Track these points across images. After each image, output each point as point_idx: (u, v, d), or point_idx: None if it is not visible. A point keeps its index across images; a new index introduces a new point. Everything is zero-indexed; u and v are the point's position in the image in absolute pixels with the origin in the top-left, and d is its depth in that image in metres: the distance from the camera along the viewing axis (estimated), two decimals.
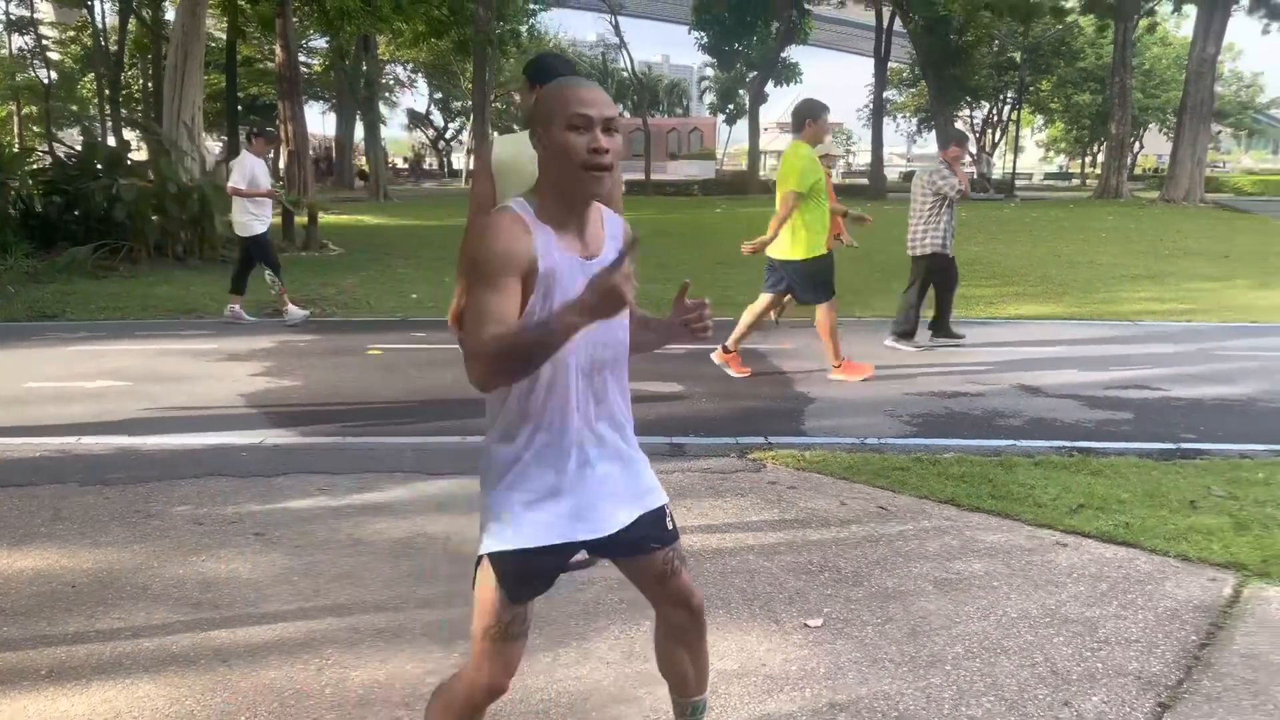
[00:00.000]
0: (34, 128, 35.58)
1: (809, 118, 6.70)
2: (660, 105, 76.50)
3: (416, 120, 61.11)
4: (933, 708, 2.76)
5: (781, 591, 3.51)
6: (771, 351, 7.86)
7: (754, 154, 44.34)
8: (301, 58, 34.39)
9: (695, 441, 5.35)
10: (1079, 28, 43.96)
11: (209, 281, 11.28)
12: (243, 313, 9.22)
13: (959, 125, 47.57)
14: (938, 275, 8.03)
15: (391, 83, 49.03)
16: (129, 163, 15.15)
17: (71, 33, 37.94)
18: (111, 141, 25.43)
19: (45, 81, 35.47)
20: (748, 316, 7.06)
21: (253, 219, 8.94)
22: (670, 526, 2.15)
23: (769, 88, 43.67)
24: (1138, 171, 57.02)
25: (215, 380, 6.78)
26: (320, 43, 38.40)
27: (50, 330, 8.82)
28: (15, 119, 36.46)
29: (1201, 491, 4.49)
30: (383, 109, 44.09)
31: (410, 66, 48.15)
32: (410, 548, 3.89)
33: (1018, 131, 46.89)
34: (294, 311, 9.22)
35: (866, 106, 45.77)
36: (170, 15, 27.02)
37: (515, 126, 52.00)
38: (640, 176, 40.93)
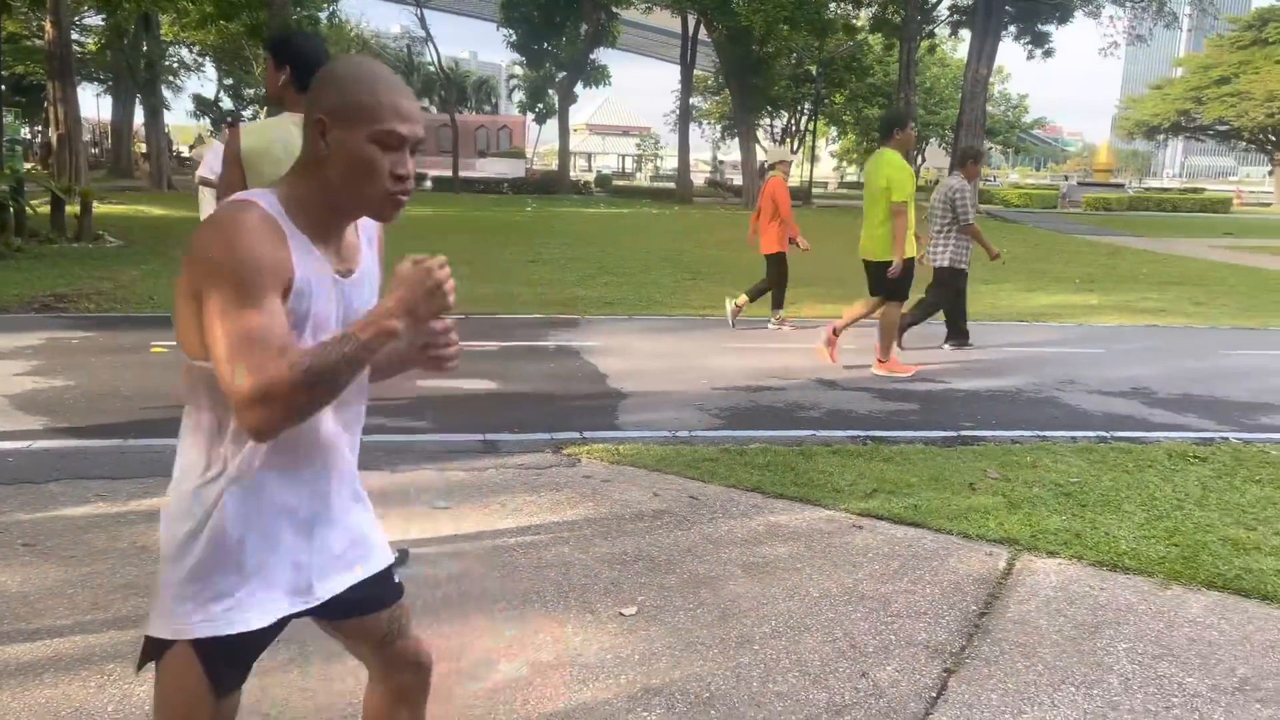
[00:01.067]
0: None
1: (896, 126, 7.07)
2: (468, 102, 75.48)
3: (204, 106, 57.51)
4: (742, 686, 2.86)
5: (596, 582, 3.54)
6: (585, 349, 7.90)
7: (564, 154, 44.51)
8: (75, 36, 31.65)
9: (510, 438, 5.30)
10: (868, 45, 46.71)
11: None
12: None
13: (760, 134, 49.54)
14: (942, 287, 8.40)
15: (176, 65, 45.88)
16: None
17: None
18: None
19: None
20: (858, 310, 7.51)
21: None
22: (396, 581, 1.88)
23: (578, 88, 43.98)
24: (921, 183, 61.16)
25: None
26: (96, 19, 35.50)
27: None
28: None
29: (979, 474, 4.87)
30: (166, 93, 41.24)
31: (197, 49, 45.26)
32: None
33: (814, 141, 49.26)
34: None
35: (674, 112, 46.84)
36: None
37: None
38: (448, 173, 40.23)
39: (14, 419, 5.35)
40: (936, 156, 64.35)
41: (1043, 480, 4.80)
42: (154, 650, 1.62)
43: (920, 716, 2.74)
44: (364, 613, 1.80)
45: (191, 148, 42.93)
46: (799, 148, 53.46)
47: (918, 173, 59.79)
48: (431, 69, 56.56)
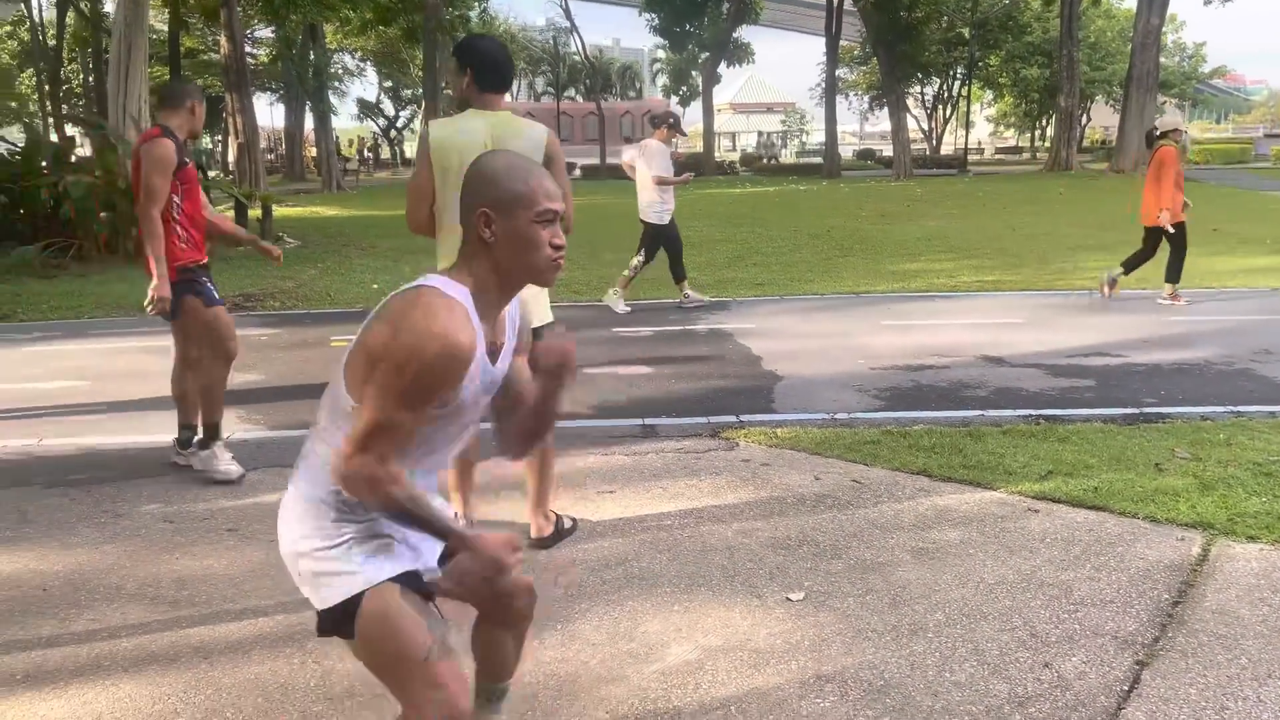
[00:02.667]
0: None
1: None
2: (613, 89, 76.20)
3: (367, 109, 60.29)
4: (917, 675, 2.80)
5: (761, 567, 3.53)
6: (738, 331, 7.88)
7: (709, 135, 44.36)
8: (248, 48, 33.72)
9: (668, 422, 5.36)
10: (1025, 2, 44.40)
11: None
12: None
13: (910, 102, 47.92)
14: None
15: (340, 71, 48.27)
16: (74, 159, 14.78)
17: (8, 28, 36.92)
18: (54, 138, 24.79)
19: None
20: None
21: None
22: None
23: (722, 68, 43.70)
24: (1086, 144, 57.86)
25: None
26: (266, 33, 37.71)
27: (2, 332, 8.60)
28: None
29: (1166, 454, 4.59)
30: (332, 99, 43.42)
31: (359, 55, 47.44)
32: None
33: (968, 107, 47.30)
34: None
35: (819, 85, 45.92)
36: (109, 7, 26.38)
37: None
38: (595, 161, 40.79)
39: None
40: (1104, 115, 60.56)
41: (1239, 460, 4.48)
42: (339, 617, 1.81)
43: (1111, 711, 2.61)
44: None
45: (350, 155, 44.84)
46: (952, 114, 51.46)
47: (1082, 134, 56.71)
48: (577, 58, 57.36)
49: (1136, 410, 5.40)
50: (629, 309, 8.88)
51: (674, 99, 53.88)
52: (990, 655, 2.90)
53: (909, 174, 35.68)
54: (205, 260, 4.63)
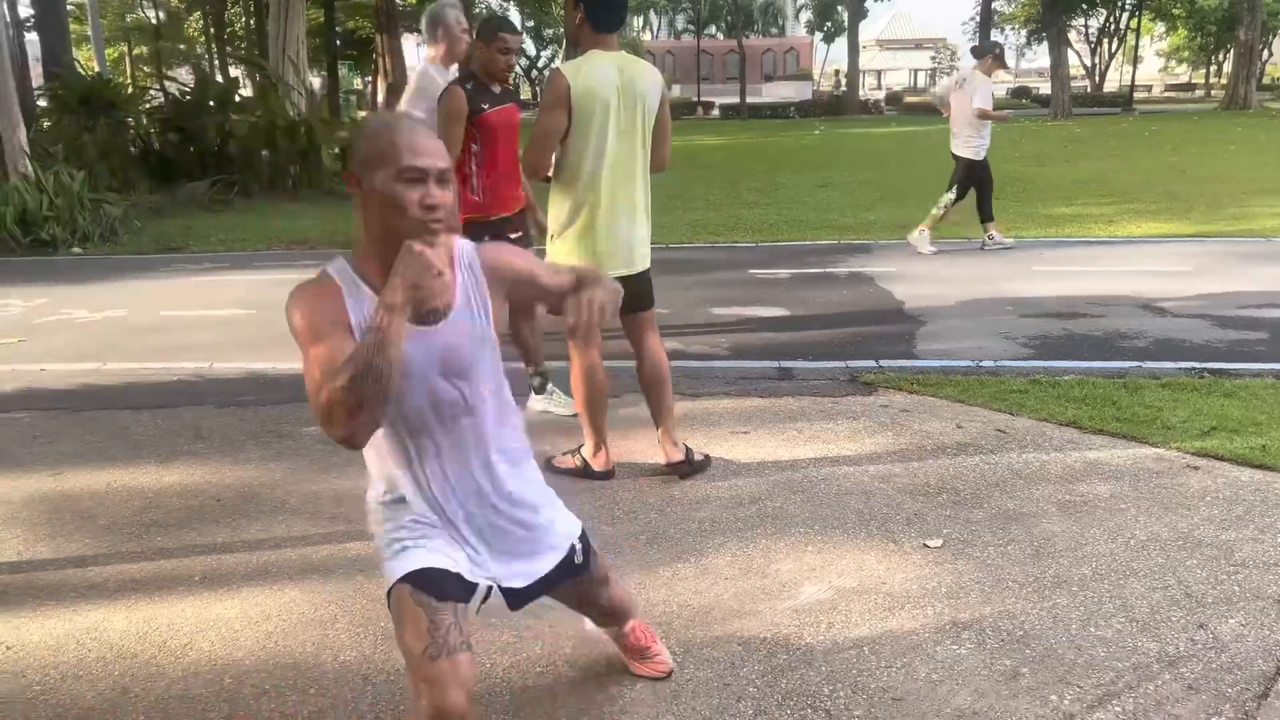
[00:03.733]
0: (144, 68, 36.72)
1: None
2: (755, 25, 74.50)
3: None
4: (1060, 628, 2.73)
5: (899, 513, 3.49)
6: (880, 274, 7.70)
7: (853, 73, 42.95)
8: None
9: (804, 365, 5.31)
10: None
11: (319, 213, 11.59)
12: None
13: (1072, 35, 45.06)
14: None
15: (484, 11, 48.82)
16: (239, 99, 15.55)
17: None
18: (219, 79, 26.08)
19: (154, 21, 36.47)
20: None
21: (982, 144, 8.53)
22: (579, 560, 2.13)
23: (869, 3, 42.09)
24: (1266, 81, 53.24)
25: None
26: None
27: (176, 262, 9.22)
28: (127, 59, 37.66)
29: None
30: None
31: None
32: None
33: (1137, 41, 44.12)
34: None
35: (973, 19, 43.67)
36: None
37: None
38: (735, 99, 40.14)
39: None
40: None
41: None
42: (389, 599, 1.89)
43: (1269, 675, 2.49)
44: (552, 588, 2.09)
45: None
46: (1118, 48, 48.22)
47: (1262, 70, 52.14)
48: None
49: None
50: (935, 249, 8.54)
51: (817, 35, 52.33)
52: (1139, 612, 2.80)
53: (1067, 113, 33.69)
54: (510, 213, 4.41)
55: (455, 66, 4.80)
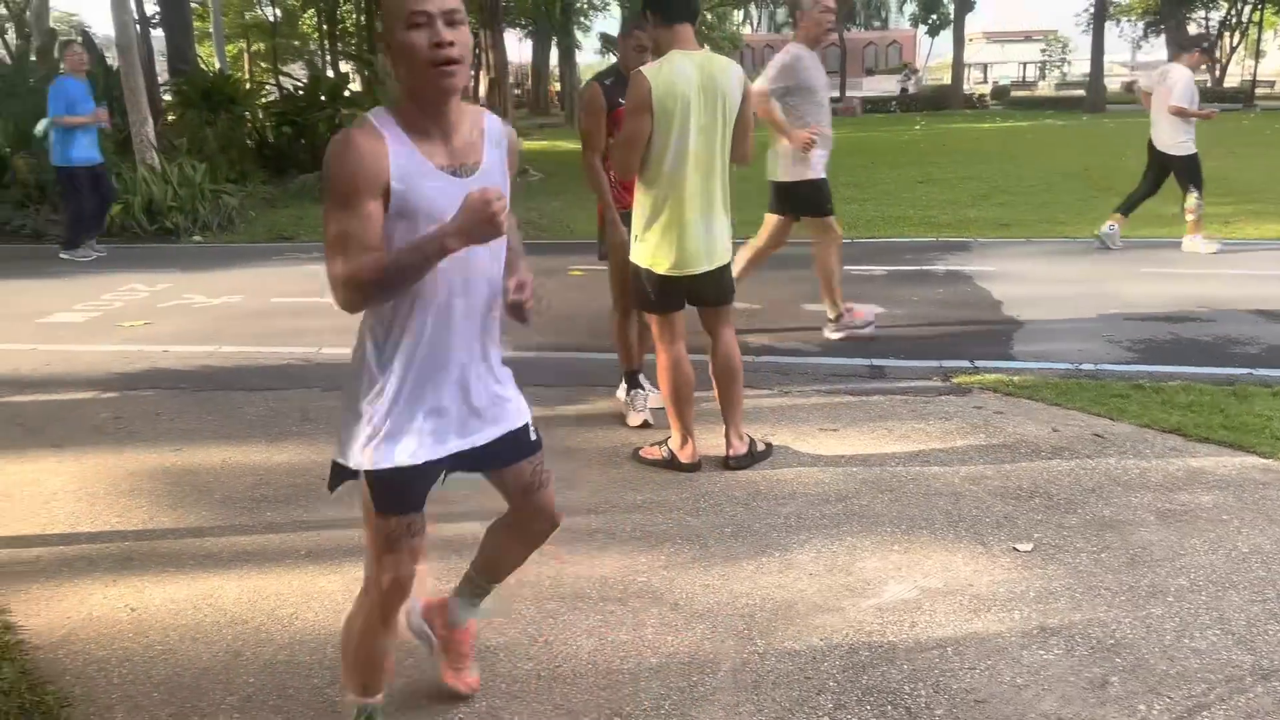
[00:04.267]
0: (261, 64, 38.16)
1: None
2: (856, 18, 73.27)
3: (609, 44, 61.33)
4: (1153, 637, 2.68)
5: (988, 515, 3.46)
6: (978, 273, 7.55)
7: (958, 66, 41.90)
8: None
9: (897, 364, 5.27)
10: None
11: None
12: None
13: (1191, 29, 43.07)
14: None
15: (585, 6, 49.26)
16: (348, 93, 16.06)
17: None
18: (331, 74, 26.96)
19: (271, 19, 37.86)
20: None
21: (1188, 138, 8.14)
22: (534, 438, 2.20)
23: None
24: None
25: None
26: None
27: (288, 250, 9.61)
28: (245, 55, 39.20)
29: None
30: (577, 34, 44.45)
31: None
32: (617, 457, 4.08)
33: (1260, 35, 41.92)
34: None
35: (1087, 10, 42.13)
36: None
37: (705, 45, 51.17)
38: (835, 94, 39.61)
39: None
40: None
41: None
42: (339, 475, 2.04)
43: None
44: (508, 462, 2.16)
45: None
46: (1240, 42, 45.96)
47: None
48: None
49: None
50: (1218, 246, 8.15)
51: (921, 28, 51.25)
52: (1236, 625, 2.72)
53: None
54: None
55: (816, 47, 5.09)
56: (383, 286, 1.82)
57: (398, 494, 2.01)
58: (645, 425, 4.38)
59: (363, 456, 1.98)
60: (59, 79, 9.05)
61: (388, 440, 1.97)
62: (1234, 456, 3.90)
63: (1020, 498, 3.59)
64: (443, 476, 2.09)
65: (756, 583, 3.04)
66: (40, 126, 8.94)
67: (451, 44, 1.79)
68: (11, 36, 31.03)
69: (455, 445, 2.06)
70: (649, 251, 3.75)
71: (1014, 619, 2.79)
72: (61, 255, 9.13)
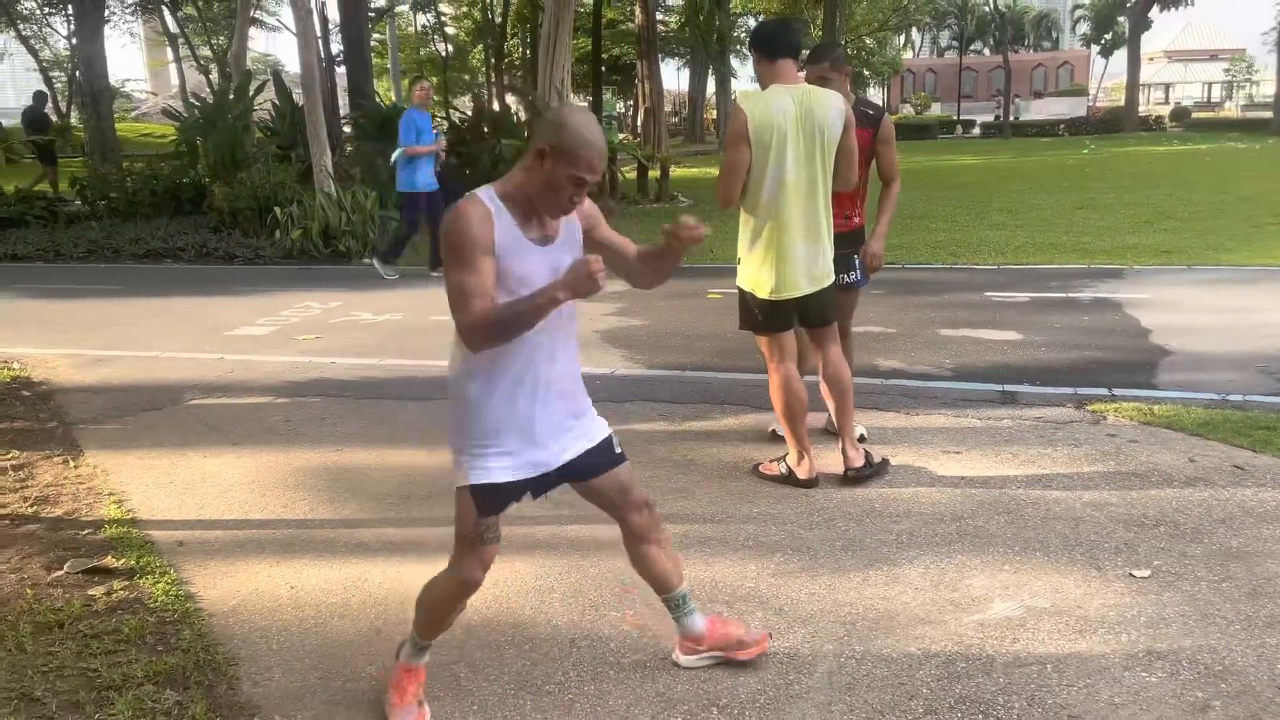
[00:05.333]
0: (434, 96, 40.30)
1: None
2: (1025, 39, 70.86)
3: None
4: (1264, 666, 2.63)
5: (1108, 541, 3.43)
6: (1128, 301, 7.30)
7: (1133, 87, 39.93)
8: (660, 16, 35.89)
9: (1029, 390, 5.21)
10: None
11: None
12: None
13: None
14: None
15: (742, 35, 49.64)
16: (509, 125, 16.85)
17: (464, 9, 42.31)
18: (496, 106, 28.29)
19: (443, 54, 40.00)
20: None
21: None
22: (619, 451, 2.57)
23: (1153, 13, 39.02)
24: None
25: (579, 318, 7.54)
26: (678, 0, 39.78)
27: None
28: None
29: None
30: (734, 62, 44.85)
31: (762, 17, 48.40)
32: (737, 471, 4.23)
33: None
34: None
35: (1275, 30, 39.36)
36: None
37: (864, 71, 50.66)
38: (990, 118, 38.46)
39: (603, 350, 6.53)
40: None
41: None
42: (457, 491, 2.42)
43: None
44: (599, 473, 2.52)
45: None
46: None
47: None
48: (986, 9, 54.07)
49: None
50: None
51: (1093, 49, 49.14)
52: None
53: None
54: (840, 231, 4.16)
55: None
56: (504, 330, 2.20)
57: (487, 504, 2.40)
58: (773, 435, 4.51)
59: (476, 475, 2.37)
60: (409, 111, 9.87)
61: (498, 461, 2.37)
62: None
63: (1144, 525, 3.53)
64: (529, 494, 2.49)
65: (861, 593, 3.14)
66: (395, 155, 9.76)
67: (580, 204, 2.32)
68: (215, 76, 34.00)
69: (541, 468, 2.42)
70: (751, 275, 3.93)
71: (1120, 641, 2.79)
72: (365, 260, 10.08)
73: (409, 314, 8.01)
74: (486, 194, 2.28)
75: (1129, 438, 4.42)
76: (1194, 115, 44.33)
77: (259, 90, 15.86)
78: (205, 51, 37.61)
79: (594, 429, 2.53)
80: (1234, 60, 62.96)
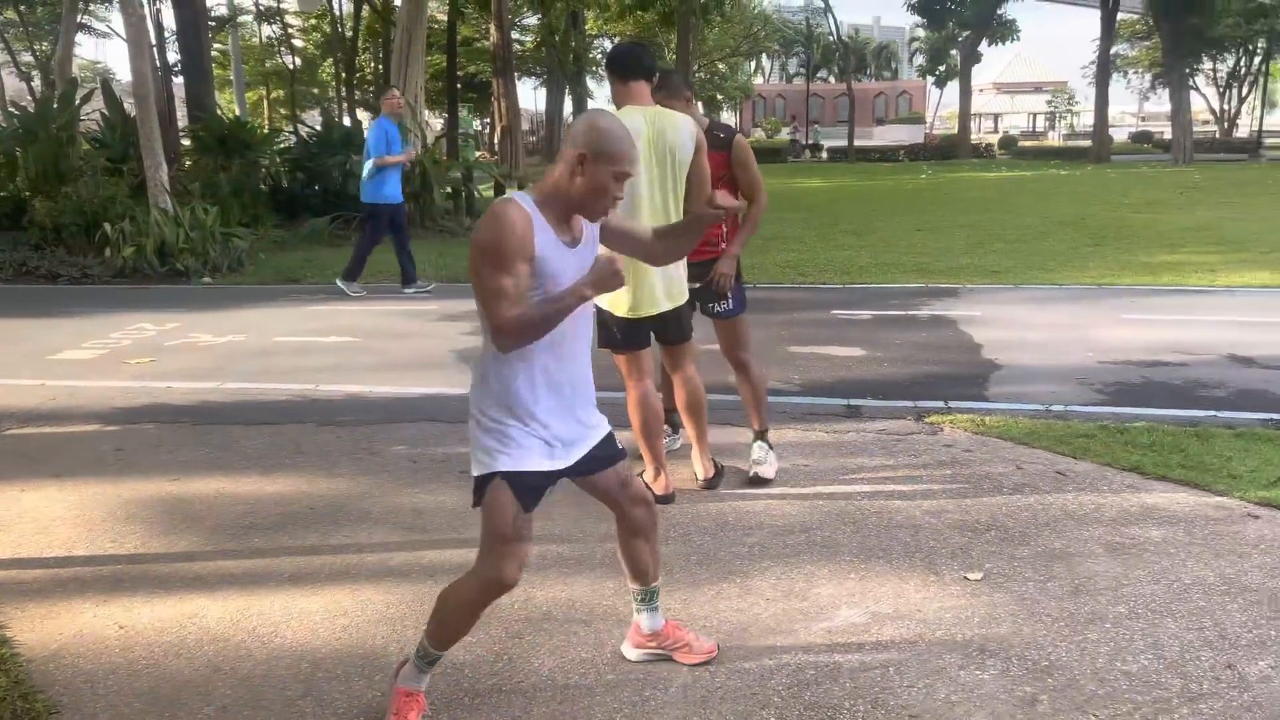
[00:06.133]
0: (281, 110, 38.96)
1: None
2: (868, 69, 74.33)
3: None
4: (1086, 660, 2.81)
5: (944, 546, 3.60)
6: (963, 318, 7.72)
7: (965, 116, 42.40)
8: (515, 35, 35.84)
9: (872, 404, 5.43)
10: None
11: (428, 249, 12.16)
12: None
13: (1202, 80, 43.51)
14: None
15: (599, 56, 50.16)
16: (361, 140, 16.45)
17: (313, 21, 41.12)
18: (347, 122, 27.55)
19: (290, 67, 38.73)
20: None
21: None
22: (620, 446, 2.67)
23: (983, 47, 41.62)
24: None
25: (432, 337, 7.43)
26: (533, 20, 39.84)
27: (295, 292, 9.87)
28: (265, 103, 40.05)
29: None
30: (590, 83, 45.23)
31: (617, 39, 49.06)
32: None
33: (1264, 85, 42.30)
34: None
35: (1093, 64, 42.64)
36: (399, 1, 28.88)
37: (718, 95, 52.02)
38: (841, 143, 40.14)
39: (460, 370, 6.42)
40: None
41: None
42: (479, 487, 2.43)
43: None
44: (603, 467, 2.60)
45: None
46: (1250, 93, 46.37)
47: None
48: (830, 39, 56.42)
49: None
50: None
51: (929, 79, 51.96)
52: (1169, 651, 2.85)
53: (1189, 159, 32.55)
54: (706, 258, 4.24)
55: None
56: (536, 330, 2.28)
57: (523, 493, 2.41)
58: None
59: (505, 460, 2.39)
60: (379, 120, 9.44)
61: (524, 447, 2.41)
62: (1189, 494, 4.03)
63: (977, 530, 3.73)
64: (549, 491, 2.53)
65: (715, 607, 3.18)
66: (367, 167, 9.25)
67: (621, 198, 2.40)
68: (38, 84, 31.87)
69: (572, 454, 2.50)
70: (609, 294, 3.95)
71: (956, 641, 2.93)
72: (337, 283, 9.50)
73: (254, 334, 7.68)
74: (525, 200, 2.36)
75: (963, 447, 4.67)
76: (1021, 143, 47.42)
77: (86, 99, 14.95)
78: (27, 58, 35.26)
79: (600, 425, 2.61)
80: (1056, 92, 67.80)
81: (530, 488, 2.42)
